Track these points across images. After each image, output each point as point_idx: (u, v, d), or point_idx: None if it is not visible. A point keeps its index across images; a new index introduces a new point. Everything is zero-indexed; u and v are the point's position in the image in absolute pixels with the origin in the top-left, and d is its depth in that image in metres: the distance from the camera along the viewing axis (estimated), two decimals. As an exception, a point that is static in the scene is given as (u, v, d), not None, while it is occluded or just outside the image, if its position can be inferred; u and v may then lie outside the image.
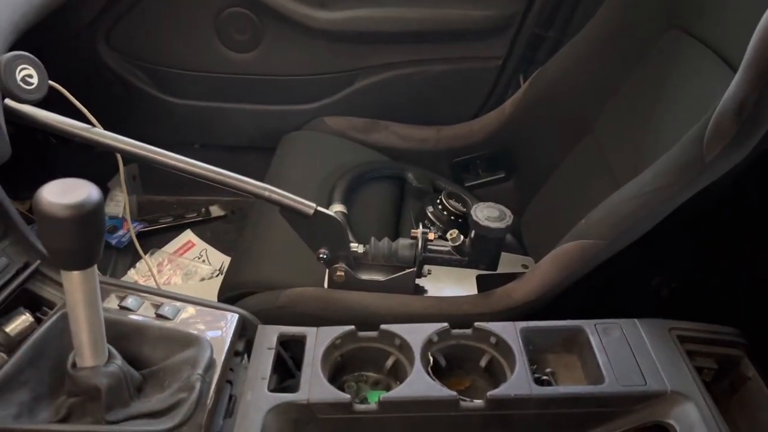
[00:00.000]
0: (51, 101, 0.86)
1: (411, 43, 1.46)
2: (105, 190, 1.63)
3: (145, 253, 1.46)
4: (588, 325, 0.80)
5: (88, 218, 0.53)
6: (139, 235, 1.53)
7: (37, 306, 0.78)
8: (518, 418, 0.72)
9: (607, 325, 0.80)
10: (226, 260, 1.51)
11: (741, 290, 0.98)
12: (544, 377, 0.77)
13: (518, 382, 0.72)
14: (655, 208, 0.86)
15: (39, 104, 0.83)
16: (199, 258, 1.53)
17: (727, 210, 0.97)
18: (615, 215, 0.90)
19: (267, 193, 0.90)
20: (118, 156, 1.02)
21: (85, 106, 0.95)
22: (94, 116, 0.95)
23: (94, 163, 1.26)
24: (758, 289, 0.94)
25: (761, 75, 0.69)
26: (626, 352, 0.76)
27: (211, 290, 1.28)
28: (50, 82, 0.81)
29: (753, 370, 0.79)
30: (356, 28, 1.42)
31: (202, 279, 1.48)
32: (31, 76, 0.76)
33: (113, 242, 1.52)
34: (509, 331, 0.78)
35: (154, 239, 1.57)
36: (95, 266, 0.58)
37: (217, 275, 1.48)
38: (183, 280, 1.47)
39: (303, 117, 1.51)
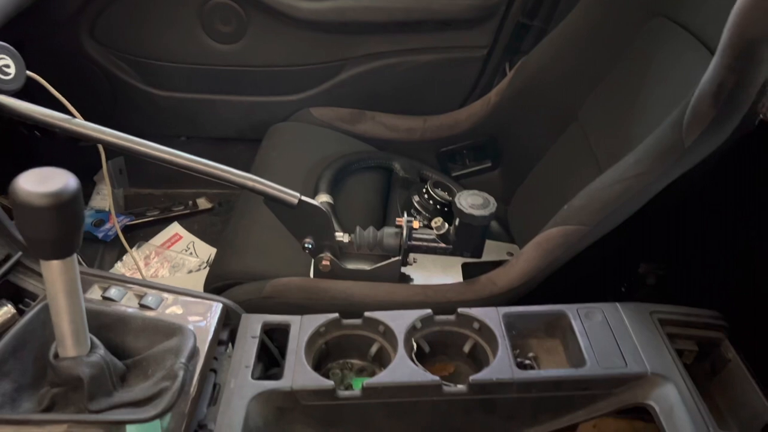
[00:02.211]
0: (34, 94, 0.86)
1: (396, 32, 1.46)
2: (92, 185, 1.62)
3: (132, 246, 1.45)
4: (570, 310, 0.80)
5: (66, 207, 0.52)
6: (127, 229, 1.53)
7: (20, 298, 0.78)
8: (500, 402, 0.73)
9: (589, 309, 0.81)
10: (214, 252, 1.50)
11: (721, 273, 0.99)
12: (527, 361, 0.78)
13: (500, 367, 0.73)
14: (637, 193, 0.86)
15: (22, 97, 0.82)
16: (186, 250, 1.53)
17: (708, 195, 0.98)
18: (597, 201, 0.90)
19: (251, 183, 0.90)
20: (100, 147, 1.02)
21: (69, 100, 0.95)
22: (78, 109, 0.94)
23: (80, 157, 1.24)
24: (739, 272, 0.95)
25: (737, 57, 0.70)
26: (607, 336, 0.77)
27: (198, 282, 1.28)
28: (28, 72, 0.81)
29: (733, 352, 0.80)
30: (341, 18, 1.42)
31: (190, 271, 1.48)
32: (8, 66, 0.76)
33: (100, 236, 1.51)
34: (492, 317, 0.79)
35: (141, 232, 1.57)
36: (75, 255, 0.58)
37: (205, 267, 1.48)
38: (170, 272, 1.47)
39: (289, 108, 1.51)
